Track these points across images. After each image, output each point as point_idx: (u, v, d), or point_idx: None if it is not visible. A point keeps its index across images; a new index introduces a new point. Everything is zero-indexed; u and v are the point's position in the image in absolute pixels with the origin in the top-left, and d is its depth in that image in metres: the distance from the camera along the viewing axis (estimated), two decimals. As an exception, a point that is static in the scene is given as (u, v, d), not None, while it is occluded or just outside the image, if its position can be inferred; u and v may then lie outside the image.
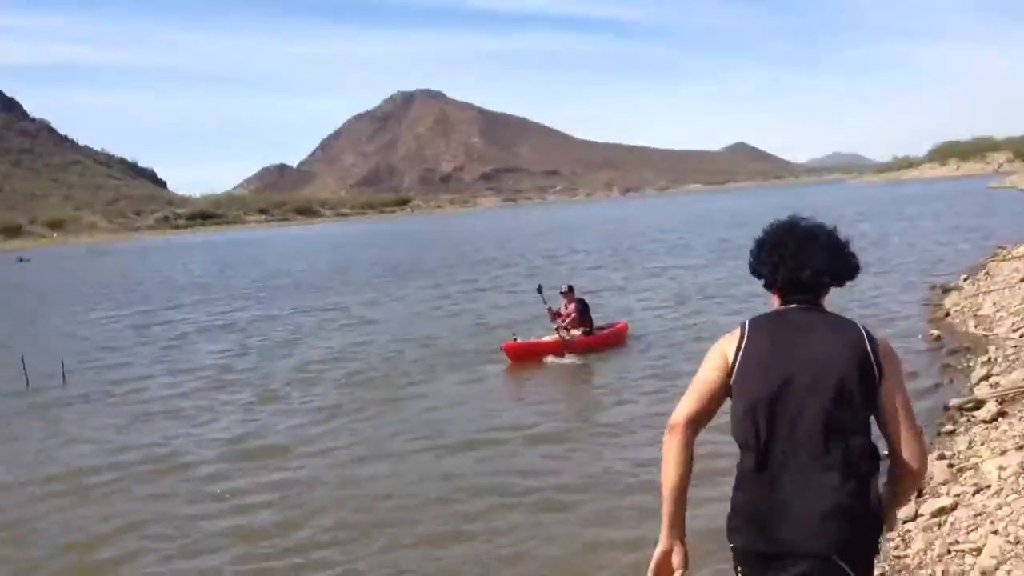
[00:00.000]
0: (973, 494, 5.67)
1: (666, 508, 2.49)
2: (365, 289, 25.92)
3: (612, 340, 13.56)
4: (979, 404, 7.89)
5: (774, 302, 2.66)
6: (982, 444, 6.71)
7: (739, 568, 2.52)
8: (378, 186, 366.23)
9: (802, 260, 2.55)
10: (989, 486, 5.67)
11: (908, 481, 2.51)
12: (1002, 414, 7.39)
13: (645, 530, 6.08)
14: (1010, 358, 9.48)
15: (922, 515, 5.66)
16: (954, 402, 8.26)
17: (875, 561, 2.51)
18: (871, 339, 2.48)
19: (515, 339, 13.00)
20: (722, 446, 3.47)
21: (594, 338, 13.26)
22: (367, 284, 27.73)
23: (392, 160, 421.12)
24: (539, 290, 13.98)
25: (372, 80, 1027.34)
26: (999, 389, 8.18)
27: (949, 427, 7.68)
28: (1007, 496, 5.35)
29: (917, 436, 2.47)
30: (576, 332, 13.13)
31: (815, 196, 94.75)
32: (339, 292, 25.42)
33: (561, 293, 13.57)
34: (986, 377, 8.92)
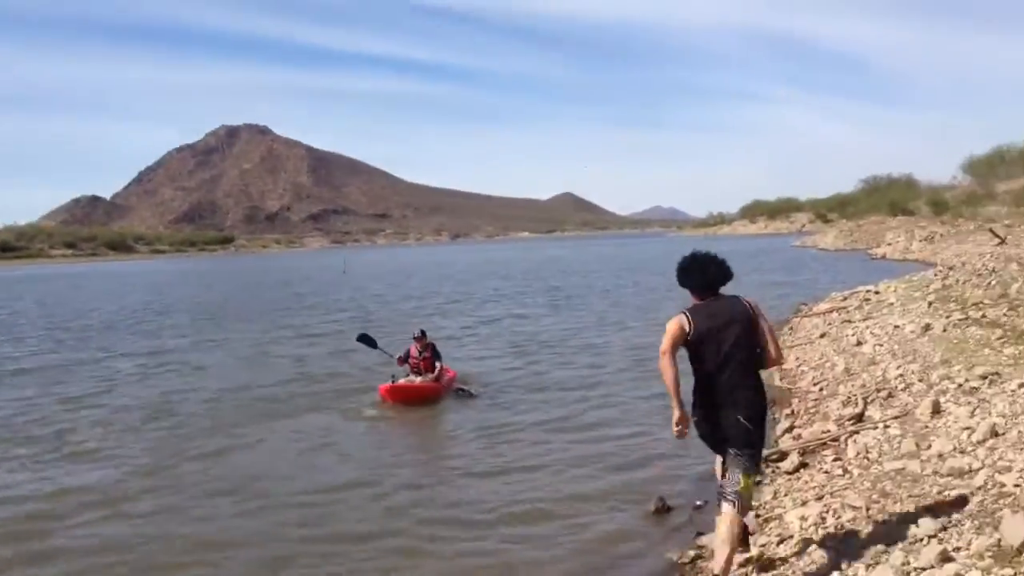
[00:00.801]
0: (778, 544, 6.01)
1: (672, 394, 5.08)
2: (187, 332, 24.67)
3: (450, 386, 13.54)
4: (783, 455, 8.37)
5: (694, 299, 5.36)
6: (786, 495, 7.13)
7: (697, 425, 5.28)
8: (199, 223, 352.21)
9: (704, 276, 5.34)
10: (792, 536, 6.03)
11: (774, 364, 5.50)
12: (803, 465, 7.88)
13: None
14: (811, 411, 10.15)
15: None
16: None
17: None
18: (747, 302, 5.28)
19: (393, 381, 12.78)
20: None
21: (440, 385, 13.21)
22: (189, 326, 26.41)
23: (215, 196, 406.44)
24: (368, 341, 13.95)
25: (195, 111, 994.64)
26: (800, 441, 8.74)
27: (756, 478, 8.11)
28: (808, 547, 5.71)
29: (776, 340, 5.34)
30: (430, 376, 13.14)
31: (644, 247, 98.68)
32: (157, 335, 24.11)
33: (415, 338, 13.51)
34: (789, 429, 9.47)
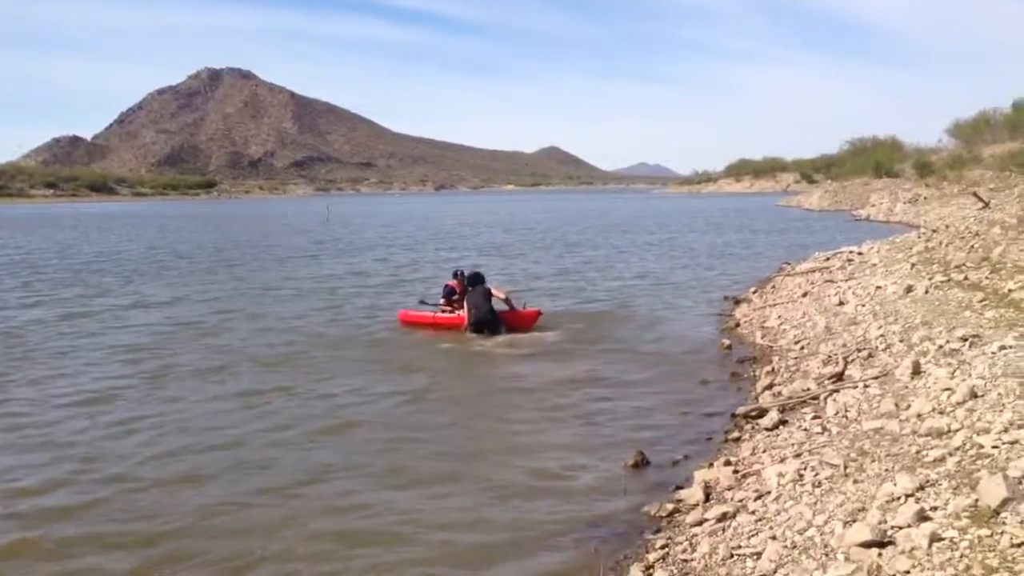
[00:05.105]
0: (755, 499, 6.03)
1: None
2: (219, 279, 23.80)
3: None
4: (762, 412, 8.40)
5: (458, 284, 14.57)
6: (764, 451, 7.15)
7: (471, 331, 13.86)
8: (181, 166, 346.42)
9: (478, 277, 14.29)
10: (769, 492, 6.05)
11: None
12: (783, 422, 7.91)
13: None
14: (791, 368, 10.18)
15: (708, 520, 5.96)
16: (740, 410, 8.76)
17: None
18: (489, 287, 14.14)
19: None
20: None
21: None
22: (219, 272, 25.63)
23: (197, 140, 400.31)
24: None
25: (177, 53, 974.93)
26: (780, 399, 8.77)
27: (735, 434, 8.13)
28: (785, 502, 5.73)
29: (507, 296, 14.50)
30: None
31: (639, 204, 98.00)
32: (188, 282, 23.54)
33: (456, 275, 14.90)
34: (769, 387, 9.52)
